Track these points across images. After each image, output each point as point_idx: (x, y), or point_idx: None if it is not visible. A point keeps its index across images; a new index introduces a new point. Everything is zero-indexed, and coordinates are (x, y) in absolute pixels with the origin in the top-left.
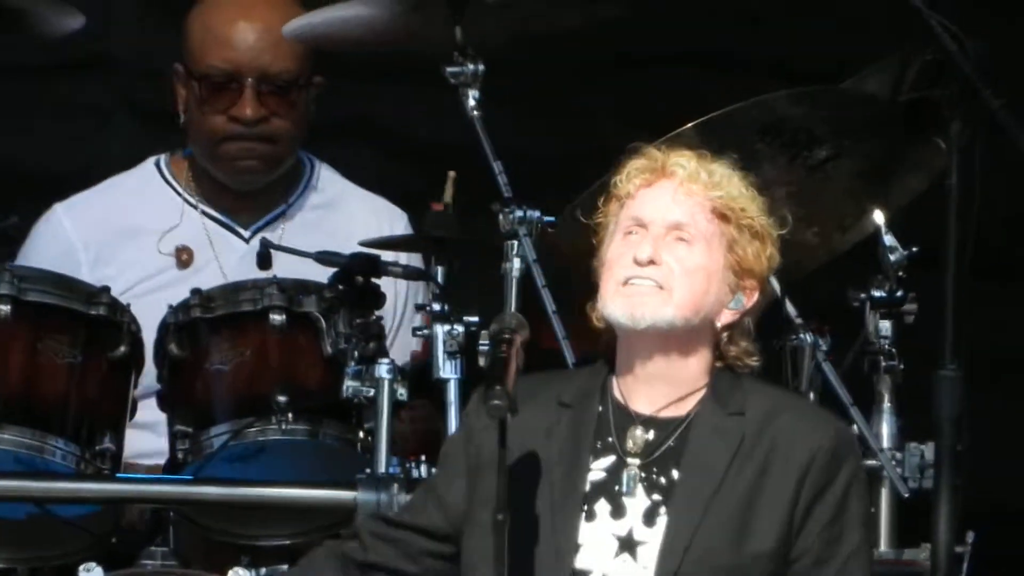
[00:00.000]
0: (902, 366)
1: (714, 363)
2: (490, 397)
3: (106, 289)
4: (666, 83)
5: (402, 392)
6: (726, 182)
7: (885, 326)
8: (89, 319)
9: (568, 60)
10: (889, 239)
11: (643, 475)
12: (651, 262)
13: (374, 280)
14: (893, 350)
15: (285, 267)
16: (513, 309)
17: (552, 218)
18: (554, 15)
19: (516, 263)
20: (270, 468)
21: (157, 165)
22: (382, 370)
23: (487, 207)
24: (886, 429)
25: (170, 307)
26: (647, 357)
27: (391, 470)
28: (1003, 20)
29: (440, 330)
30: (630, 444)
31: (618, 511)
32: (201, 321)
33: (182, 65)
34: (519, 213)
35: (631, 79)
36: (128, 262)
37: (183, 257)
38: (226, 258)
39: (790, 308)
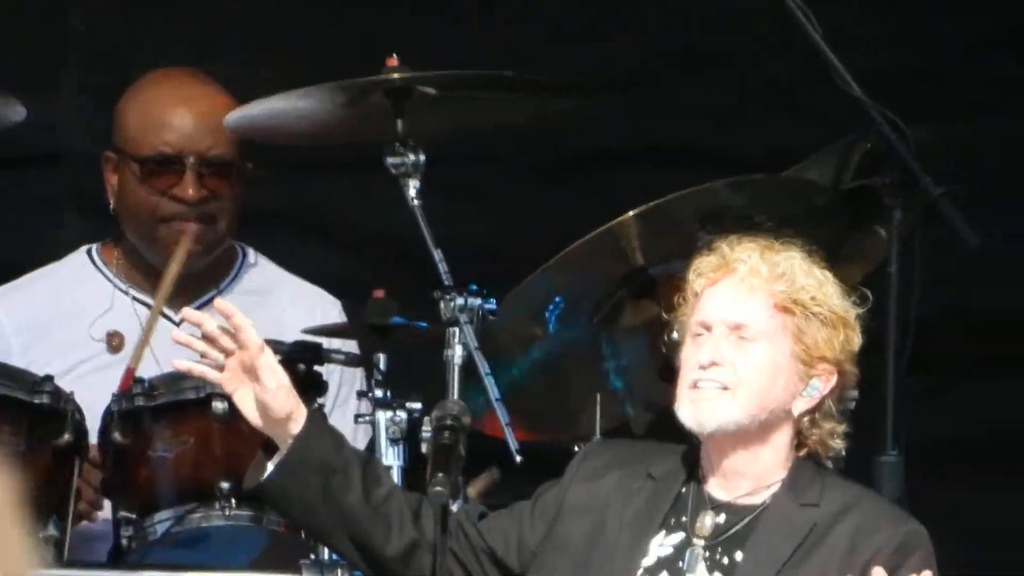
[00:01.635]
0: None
1: (794, 452)
2: (432, 484)
3: (49, 378)
4: (614, 176)
5: None
6: (791, 272)
7: None
8: (33, 408)
9: (514, 153)
10: None
11: (707, 555)
12: (713, 364)
13: (316, 368)
14: None
15: None
16: (455, 396)
17: (493, 306)
18: (497, 110)
19: (457, 350)
20: (214, 554)
21: (89, 253)
22: None
23: (428, 295)
24: None
25: (114, 395)
26: (721, 454)
27: (335, 556)
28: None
29: (383, 417)
30: (698, 526)
31: None
32: (144, 410)
33: (114, 151)
34: (460, 300)
35: (578, 172)
36: (60, 347)
37: (114, 342)
38: (158, 343)
39: None
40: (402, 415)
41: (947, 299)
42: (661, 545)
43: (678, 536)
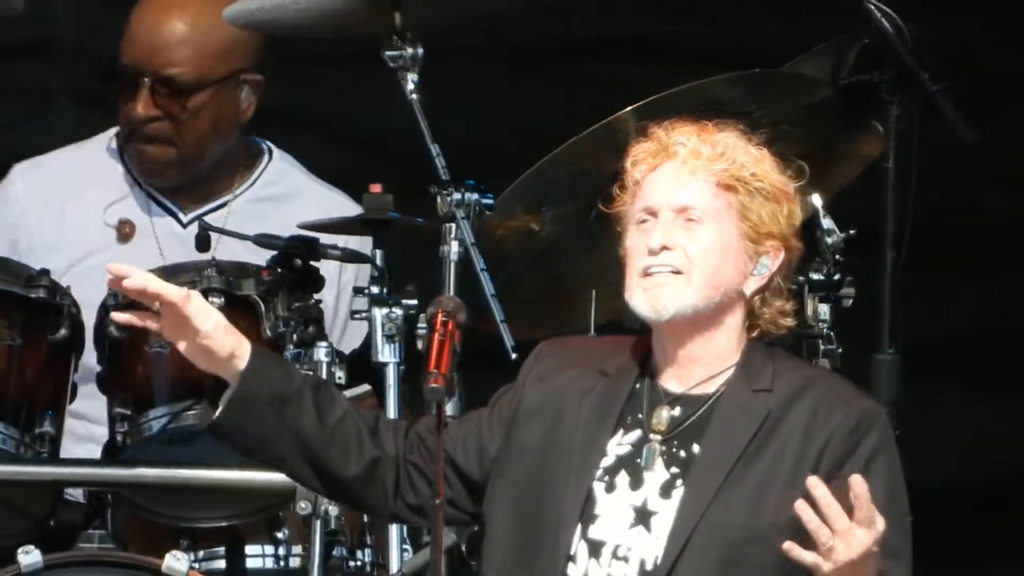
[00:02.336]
0: (840, 350)
1: (747, 333)
2: (426, 381)
3: (45, 272)
4: (601, 70)
5: (340, 375)
6: (730, 151)
7: (823, 309)
8: (28, 302)
9: (505, 45)
10: (827, 222)
11: (663, 449)
12: (664, 248)
13: (313, 263)
14: (831, 334)
15: (228, 253)
16: (450, 292)
17: (490, 201)
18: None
19: (454, 246)
20: (208, 451)
21: (117, 136)
22: (320, 353)
23: (426, 190)
24: None
25: (110, 290)
26: (676, 341)
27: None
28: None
29: (379, 314)
30: (655, 422)
31: (637, 484)
32: (140, 304)
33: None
34: (457, 196)
35: (568, 65)
36: (72, 228)
37: (125, 231)
38: (165, 240)
39: None
40: (398, 311)
41: (944, 197)
42: (619, 444)
43: (635, 434)
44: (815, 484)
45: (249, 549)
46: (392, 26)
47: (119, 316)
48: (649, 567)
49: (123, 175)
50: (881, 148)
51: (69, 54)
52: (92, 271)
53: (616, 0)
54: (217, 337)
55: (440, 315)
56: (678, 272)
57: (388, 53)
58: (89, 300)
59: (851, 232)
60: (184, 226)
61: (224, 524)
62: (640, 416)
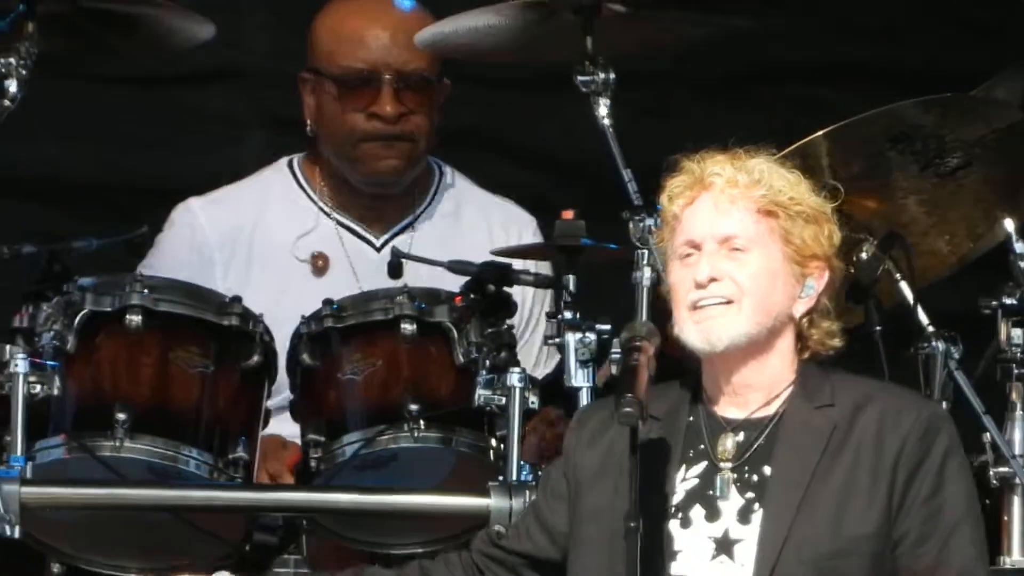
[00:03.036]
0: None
1: (798, 354)
2: (621, 405)
3: (237, 299)
4: (797, 94)
5: (533, 400)
6: (766, 177)
7: (1017, 334)
8: (221, 329)
9: (699, 71)
10: (1020, 246)
11: (735, 476)
12: (712, 280)
13: (505, 289)
14: None
15: (416, 276)
16: (643, 318)
17: None
18: (684, 27)
19: (646, 272)
20: (402, 476)
21: (291, 167)
22: (513, 379)
23: (618, 216)
24: (1019, 436)
25: (303, 317)
26: (730, 370)
27: (523, 477)
28: None
29: (572, 339)
30: (720, 450)
31: (713, 515)
32: (333, 331)
33: (310, 72)
34: (649, 221)
35: (761, 90)
36: (263, 265)
37: (319, 263)
38: (360, 267)
39: (922, 316)
40: (591, 336)
41: None
42: (684, 480)
43: (700, 465)
44: None
45: None
46: (584, 51)
47: None
48: None
49: (309, 205)
50: None
51: (260, 79)
52: (288, 310)
53: (810, 25)
54: None
55: (634, 340)
56: (729, 302)
57: (580, 78)
58: (282, 326)
59: None
60: (378, 250)
61: (419, 550)
62: (703, 447)
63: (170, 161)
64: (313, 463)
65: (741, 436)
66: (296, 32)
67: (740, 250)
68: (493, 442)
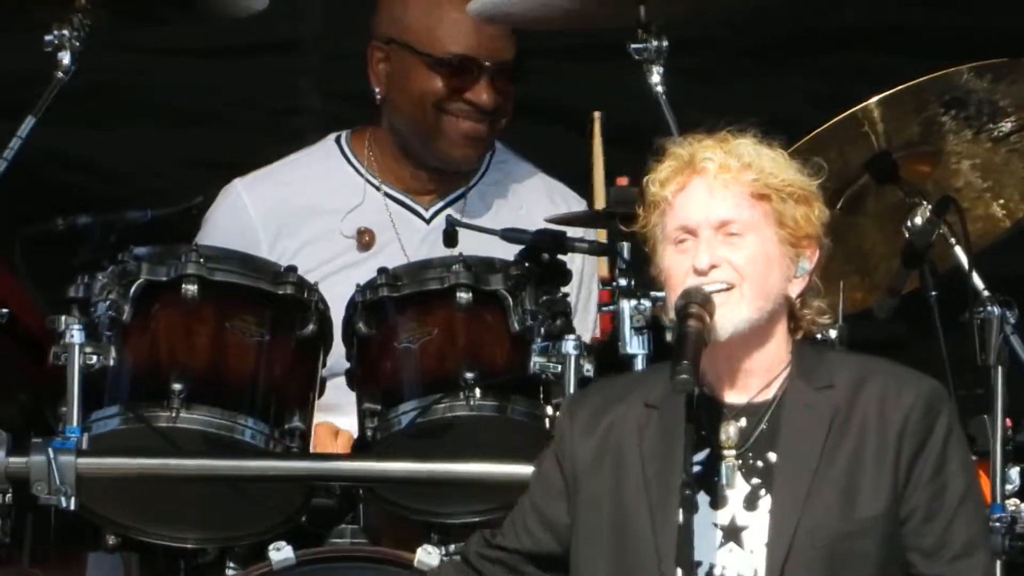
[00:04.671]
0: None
1: (791, 335)
2: (677, 372)
3: (293, 268)
4: (852, 59)
5: (588, 368)
6: (756, 160)
7: None
8: (277, 298)
9: (750, 37)
10: None
11: (740, 463)
12: (712, 267)
13: (560, 257)
14: None
15: (468, 245)
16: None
17: None
18: None
19: None
20: (458, 444)
21: (338, 143)
22: (568, 346)
23: None
24: None
25: (358, 286)
26: (731, 356)
27: None
28: None
29: (627, 306)
30: (724, 437)
31: (718, 502)
32: (388, 300)
33: (388, 42)
34: None
35: (817, 55)
36: (308, 243)
37: (365, 239)
38: (408, 239)
39: (977, 281)
40: (646, 303)
41: None
42: (691, 466)
43: (703, 453)
44: None
45: None
46: (637, 19)
47: None
48: None
49: (355, 179)
50: None
51: (316, 51)
52: (330, 274)
53: None
54: None
55: (690, 307)
56: (730, 287)
57: (633, 46)
58: (329, 301)
59: None
60: (427, 221)
61: (476, 519)
62: (703, 433)
63: (224, 133)
64: (369, 432)
65: (743, 422)
66: (351, 4)
67: (737, 235)
68: (548, 410)
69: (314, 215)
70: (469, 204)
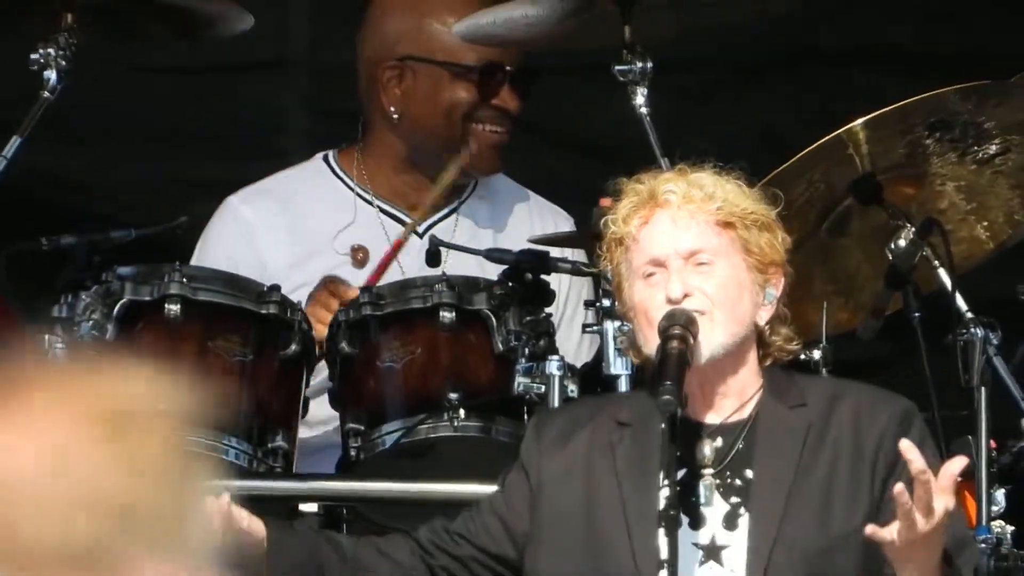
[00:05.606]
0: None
1: (761, 362)
2: (660, 393)
3: (276, 288)
4: (839, 80)
5: (573, 388)
6: (719, 190)
7: None
8: (260, 318)
9: (739, 56)
10: None
11: (718, 482)
12: (686, 295)
13: (543, 277)
14: None
15: (452, 264)
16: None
17: None
18: (724, 11)
19: None
20: (443, 465)
21: (326, 160)
22: (552, 367)
23: None
24: None
25: (340, 307)
26: (704, 381)
27: None
28: None
29: (611, 326)
30: (699, 457)
31: (697, 522)
32: (371, 319)
33: (400, 60)
34: None
35: (803, 75)
36: (304, 258)
37: (359, 256)
38: (403, 254)
39: (960, 302)
40: (629, 325)
41: None
42: (662, 487)
43: (680, 473)
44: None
45: None
46: (622, 40)
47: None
48: None
49: (346, 196)
50: None
51: (303, 69)
52: None
53: (853, 8)
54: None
55: (672, 328)
56: (703, 314)
57: (618, 67)
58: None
59: None
60: (420, 236)
61: None
62: (679, 454)
63: (209, 151)
64: (353, 452)
65: (719, 441)
66: (337, 21)
67: (706, 264)
68: None
69: (308, 231)
70: (460, 221)
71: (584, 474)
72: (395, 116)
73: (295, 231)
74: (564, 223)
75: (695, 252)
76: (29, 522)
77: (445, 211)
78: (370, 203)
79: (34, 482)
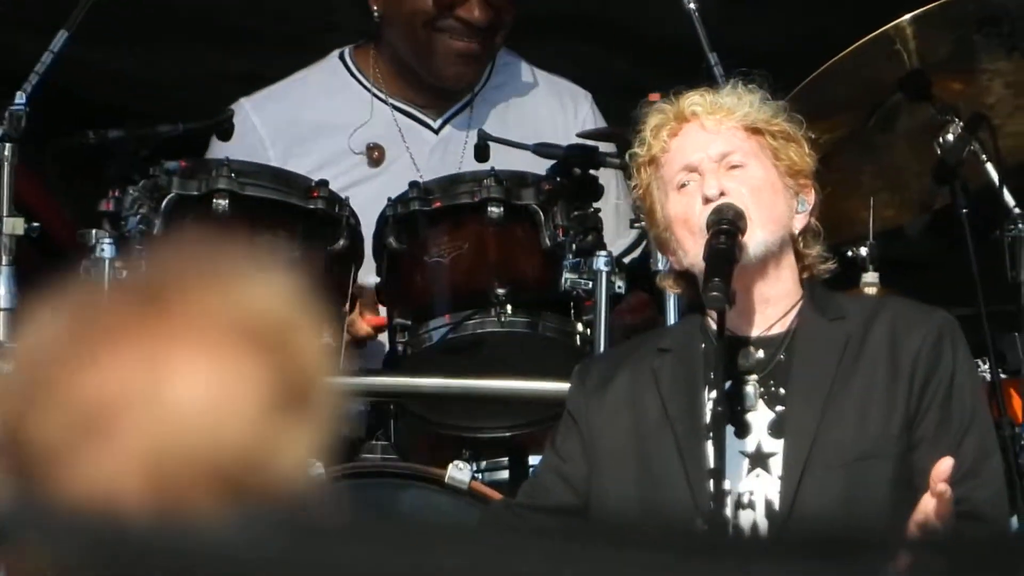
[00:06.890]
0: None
1: (800, 273)
2: (709, 289)
3: (324, 183)
4: None
5: (620, 284)
6: (743, 100)
7: None
8: (307, 213)
9: None
10: None
11: (762, 390)
12: (722, 194)
13: (592, 172)
14: None
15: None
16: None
17: None
18: None
19: None
20: (489, 360)
21: (342, 58)
22: (600, 262)
23: None
24: None
25: (389, 200)
26: (748, 286)
27: None
28: None
29: None
30: (743, 365)
31: (742, 430)
32: (419, 213)
33: None
34: None
35: None
36: (318, 160)
37: (374, 155)
38: (417, 152)
39: (1008, 197)
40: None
41: None
42: (709, 401)
43: (724, 385)
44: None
45: (532, 460)
46: None
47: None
48: (776, 506)
49: (361, 95)
50: None
51: None
52: (341, 191)
53: None
54: None
55: (721, 224)
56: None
57: None
58: None
59: None
60: (436, 132)
61: (507, 434)
62: (723, 368)
63: (256, 48)
64: (400, 348)
65: (761, 353)
66: None
67: (739, 166)
68: (579, 327)
69: (323, 133)
70: (477, 111)
71: (630, 407)
72: (376, 15)
73: (310, 133)
74: (583, 101)
75: (727, 154)
76: (194, 441)
77: (461, 103)
78: (384, 102)
79: (200, 402)
